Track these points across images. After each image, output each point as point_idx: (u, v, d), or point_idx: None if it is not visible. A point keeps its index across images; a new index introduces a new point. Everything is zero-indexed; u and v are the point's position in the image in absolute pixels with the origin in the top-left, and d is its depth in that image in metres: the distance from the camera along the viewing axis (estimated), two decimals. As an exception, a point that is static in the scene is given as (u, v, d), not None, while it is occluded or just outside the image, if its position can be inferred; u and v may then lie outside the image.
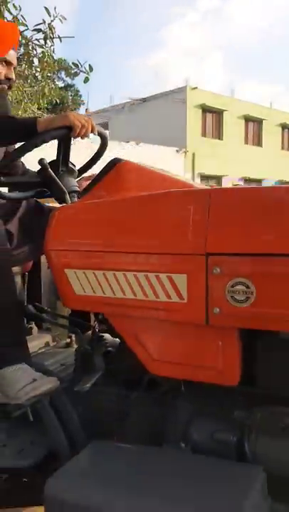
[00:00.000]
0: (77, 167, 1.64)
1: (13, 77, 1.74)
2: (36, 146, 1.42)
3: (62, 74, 27.73)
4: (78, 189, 1.54)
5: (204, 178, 25.52)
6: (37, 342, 1.70)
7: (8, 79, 1.72)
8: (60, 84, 27.50)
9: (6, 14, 6.68)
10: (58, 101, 9.95)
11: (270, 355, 1.12)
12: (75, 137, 1.46)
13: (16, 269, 1.76)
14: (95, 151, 1.68)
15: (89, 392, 1.38)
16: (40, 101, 8.63)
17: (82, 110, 30.32)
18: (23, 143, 1.46)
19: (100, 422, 1.36)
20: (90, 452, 1.15)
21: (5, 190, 1.66)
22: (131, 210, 1.22)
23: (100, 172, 1.40)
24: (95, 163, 1.65)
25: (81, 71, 8.80)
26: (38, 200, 1.80)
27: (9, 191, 1.70)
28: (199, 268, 1.06)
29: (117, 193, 1.32)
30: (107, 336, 1.55)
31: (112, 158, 1.40)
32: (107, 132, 1.68)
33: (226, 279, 1.04)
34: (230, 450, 1.12)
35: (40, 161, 1.45)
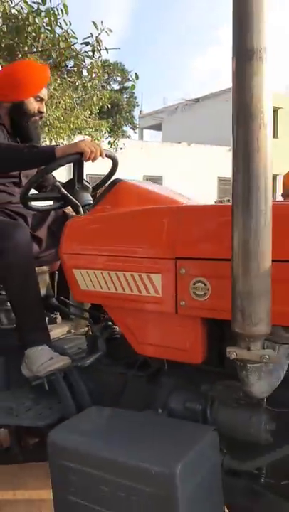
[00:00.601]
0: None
1: (44, 110, 2.09)
2: (54, 170, 1.76)
3: (118, 77, 28.40)
4: (91, 202, 1.85)
5: (258, 177, 25.27)
6: (60, 329, 2.04)
7: (40, 112, 2.07)
8: (116, 86, 28.19)
9: (57, 29, 7.18)
10: (109, 106, 10.42)
11: (226, 339, 1.37)
12: (86, 161, 1.77)
13: (44, 268, 2.12)
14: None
15: (95, 370, 1.70)
16: (92, 107, 9.11)
17: (136, 112, 30.84)
18: (43, 167, 1.80)
19: (102, 394, 1.66)
20: (89, 413, 1.46)
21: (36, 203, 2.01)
22: (123, 222, 1.51)
23: (104, 190, 1.70)
24: (107, 182, 1.94)
25: (128, 79, 9.08)
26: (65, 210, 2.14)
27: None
28: (170, 269, 1.34)
29: (118, 207, 1.62)
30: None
31: (115, 178, 1.70)
32: (117, 156, 1.98)
33: (189, 278, 1.31)
34: (197, 416, 1.39)
35: (54, 184, 1.79)
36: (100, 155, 1.79)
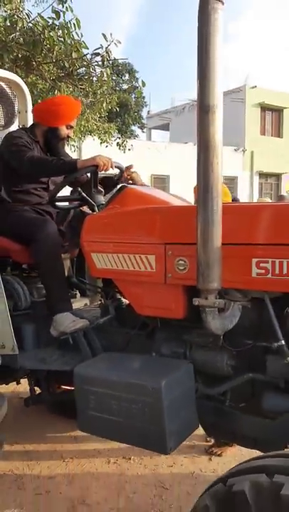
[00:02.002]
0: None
1: (72, 135, 2.66)
2: (76, 178, 2.31)
3: (127, 76, 28.84)
4: (104, 202, 2.40)
5: (263, 175, 25.60)
6: (79, 303, 2.60)
7: (68, 137, 2.64)
8: (125, 86, 28.65)
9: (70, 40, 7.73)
10: (117, 109, 10.98)
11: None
12: (100, 171, 2.32)
13: (66, 255, 2.67)
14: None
15: (107, 330, 2.25)
16: (102, 111, 9.67)
17: (144, 112, 31.25)
18: (67, 175, 2.36)
19: (112, 348, 2.21)
20: (102, 356, 2.02)
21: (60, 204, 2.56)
22: (128, 218, 2.06)
23: (114, 193, 2.25)
24: (116, 188, 2.46)
25: (135, 87, 9.54)
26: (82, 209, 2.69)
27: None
28: (161, 251, 1.88)
29: (124, 206, 2.16)
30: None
31: (121, 185, 2.25)
32: (123, 165, 2.53)
33: (174, 258, 1.85)
34: (180, 356, 1.94)
35: (75, 191, 2.34)
36: (111, 166, 2.34)
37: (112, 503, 2.47)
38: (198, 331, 1.87)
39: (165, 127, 29.40)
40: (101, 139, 10.38)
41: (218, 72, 1.50)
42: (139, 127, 31.63)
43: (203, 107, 1.49)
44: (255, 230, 1.68)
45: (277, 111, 25.79)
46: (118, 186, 2.27)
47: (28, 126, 2.86)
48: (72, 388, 2.02)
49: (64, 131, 2.60)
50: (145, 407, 1.70)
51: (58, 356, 2.31)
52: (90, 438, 3.16)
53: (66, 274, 2.59)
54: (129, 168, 2.63)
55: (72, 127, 2.62)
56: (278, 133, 26.08)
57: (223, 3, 1.46)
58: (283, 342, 1.64)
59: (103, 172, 2.33)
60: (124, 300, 2.39)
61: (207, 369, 1.88)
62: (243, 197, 22.72)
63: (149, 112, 30.56)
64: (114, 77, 9.79)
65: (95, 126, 9.97)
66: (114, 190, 2.25)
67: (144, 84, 8.60)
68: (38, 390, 2.63)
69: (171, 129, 28.38)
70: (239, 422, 1.88)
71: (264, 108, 25.25)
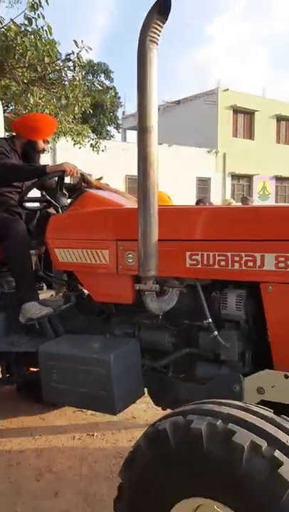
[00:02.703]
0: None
1: (47, 148, 3.03)
2: (45, 182, 2.63)
3: (102, 76, 29.02)
4: (67, 204, 2.72)
5: (235, 177, 26.23)
6: (45, 294, 2.91)
7: (44, 150, 2.97)
8: (100, 86, 28.87)
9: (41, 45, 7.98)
10: (91, 111, 11.28)
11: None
12: (66, 176, 2.64)
13: (33, 252, 2.98)
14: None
15: (69, 317, 2.58)
16: (75, 113, 9.94)
17: (120, 112, 31.49)
18: (36, 179, 2.68)
19: (74, 331, 2.53)
20: (63, 337, 2.35)
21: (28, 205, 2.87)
22: (87, 218, 2.38)
23: (74, 197, 2.57)
24: (75, 193, 2.78)
25: (106, 91, 9.89)
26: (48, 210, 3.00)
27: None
28: (113, 247, 2.21)
29: (84, 208, 2.48)
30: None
31: (82, 189, 2.57)
32: (86, 173, 2.86)
33: (124, 252, 2.18)
34: (130, 336, 2.28)
35: (41, 194, 2.66)
36: (76, 173, 2.67)
37: (75, 470, 2.79)
38: (144, 314, 2.20)
39: (140, 128, 29.65)
40: (74, 141, 10.64)
41: (154, 100, 1.83)
42: (114, 127, 31.87)
43: (142, 127, 1.83)
44: (188, 228, 2.03)
45: (249, 113, 26.44)
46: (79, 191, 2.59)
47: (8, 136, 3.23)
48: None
49: (40, 144, 2.95)
50: (98, 377, 2.03)
51: (26, 340, 2.61)
52: (57, 417, 3.49)
53: (34, 268, 2.89)
54: (99, 179, 2.96)
55: (48, 142, 2.97)
56: (250, 135, 26.75)
57: (157, 44, 1.80)
58: (210, 320, 1.99)
59: (69, 177, 2.66)
60: (85, 291, 2.71)
61: (152, 346, 2.23)
62: (217, 198, 23.26)
63: (124, 112, 30.80)
64: (89, 77, 10.06)
65: (68, 128, 10.23)
66: (76, 194, 2.57)
67: (114, 89, 8.93)
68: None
69: (146, 130, 28.68)
70: (179, 389, 2.22)
71: (236, 110, 25.87)
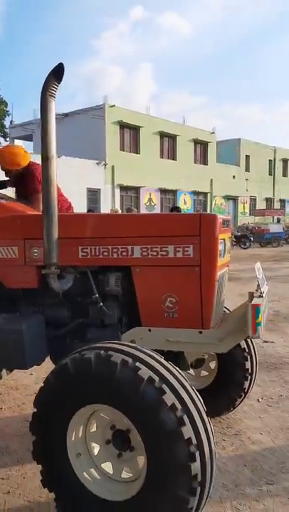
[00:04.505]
0: None
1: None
2: None
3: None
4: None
5: (123, 188, 27.58)
6: None
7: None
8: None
9: None
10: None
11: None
12: None
13: None
14: None
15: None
16: None
17: (7, 121, 31.18)
18: None
19: None
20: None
21: None
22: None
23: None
24: None
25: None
26: None
27: None
28: (21, 244, 2.87)
29: (-5, 215, 3.10)
30: None
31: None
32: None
33: (30, 248, 2.86)
34: (37, 313, 2.95)
35: None
36: None
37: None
38: (47, 295, 2.90)
39: (29, 137, 29.78)
40: None
41: (53, 136, 2.57)
42: (1, 136, 31.45)
43: (45, 157, 2.55)
44: (80, 229, 2.79)
45: (135, 129, 28.02)
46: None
47: None
48: None
49: None
50: (14, 342, 2.68)
51: None
52: None
53: None
54: None
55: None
56: (136, 149, 28.32)
57: (54, 97, 2.54)
58: (97, 295, 2.76)
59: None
60: None
61: (54, 319, 2.93)
62: (107, 208, 24.29)
63: (12, 121, 30.60)
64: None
65: None
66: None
67: (5, 104, 9.37)
68: None
69: (35, 140, 28.88)
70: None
71: (123, 126, 27.26)
